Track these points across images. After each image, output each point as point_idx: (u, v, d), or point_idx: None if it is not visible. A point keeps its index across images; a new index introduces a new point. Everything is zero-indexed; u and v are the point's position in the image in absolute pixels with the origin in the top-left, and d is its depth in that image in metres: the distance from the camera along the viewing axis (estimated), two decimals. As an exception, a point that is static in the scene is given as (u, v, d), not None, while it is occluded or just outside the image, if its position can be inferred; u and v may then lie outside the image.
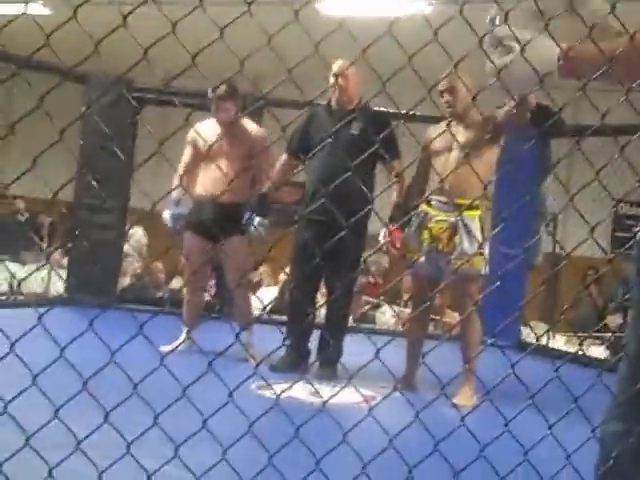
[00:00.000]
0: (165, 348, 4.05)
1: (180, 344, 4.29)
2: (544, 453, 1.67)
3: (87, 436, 1.42)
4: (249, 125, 4.83)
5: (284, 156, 4.69)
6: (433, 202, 4.08)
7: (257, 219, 4.58)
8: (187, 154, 4.79)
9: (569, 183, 8.36)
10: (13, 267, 7.78)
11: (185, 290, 5.00)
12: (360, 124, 4.31)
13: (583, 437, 1.58)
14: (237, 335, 1.55)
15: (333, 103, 4.59)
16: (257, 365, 1.53)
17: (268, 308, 7.10)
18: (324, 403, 1.53)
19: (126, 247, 9.04)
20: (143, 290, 7.76)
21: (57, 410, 1.36)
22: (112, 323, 1.39)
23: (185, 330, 4.69)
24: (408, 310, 7.64)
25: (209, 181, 4.62)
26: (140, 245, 9.00)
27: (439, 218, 4.08)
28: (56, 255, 8.35)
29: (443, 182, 3.81)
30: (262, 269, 8.98)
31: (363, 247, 4.57)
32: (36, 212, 9.43)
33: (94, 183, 6.30)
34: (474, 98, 1.91)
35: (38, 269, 6.45)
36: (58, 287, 6.94)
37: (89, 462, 1.43)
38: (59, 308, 5.58)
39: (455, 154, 4.05)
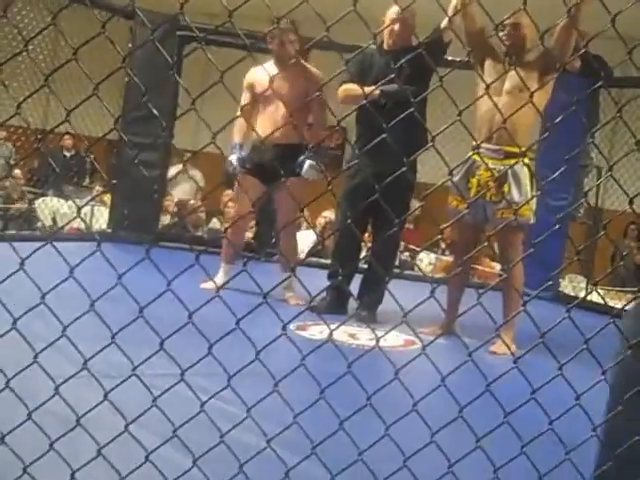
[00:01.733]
0: (205, 285, 4.12)
1: (220, 282, 4.35)
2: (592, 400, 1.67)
3: (139, 364, 1.46)
4: (307, 65, 4.83)
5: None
6: (482, 150, 4.01)
7: (311, 162, 4.62)
8: (245, 98, 4.82)
9: (615, 136, 8.20)
10: (57, 203, 7.91)
11: (228, 230, 5.06)
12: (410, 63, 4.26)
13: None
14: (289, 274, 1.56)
15: (386, 46, 4.55)
16: (308, 308, 1.54)
17: (309, 251, 7.14)
18: (377, 342, 1.54)
19: (183, 189, 9.14)
20: (183, 229, 7.84)
21: (113, 336, 1.40)
22: (155, 260, 1.40)
23: (223, 268, 4.80)
24: (446, 258, 7.65)
25: (267, 123, 4.65)
26: (197, 188, 9.09)
27: (488, 166, 4.02)
28: (99, 191, 8.43)
29: (492, 129, 3.80)
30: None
31: (412, 194, 4.56)
32: (82, 149, 9.51)
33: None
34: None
35: (88, 203, 6.52)
36: (101, 224, 7.05)
37: (142, 390, 1.47)
38: (102, 243, 5.66)
39: (505, 98, 3.96)
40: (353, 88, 4.37)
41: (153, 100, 1.73)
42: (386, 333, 1.68)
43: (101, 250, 1.42)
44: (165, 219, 7.94)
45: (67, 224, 5.87)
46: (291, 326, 3.75)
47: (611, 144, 8.64)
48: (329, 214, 8.18)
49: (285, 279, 4.37)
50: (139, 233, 6.19)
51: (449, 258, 7.50)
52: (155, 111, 1.62)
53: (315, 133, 4.88)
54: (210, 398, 1.50)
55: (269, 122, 4.65)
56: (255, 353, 1.45)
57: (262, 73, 4.66)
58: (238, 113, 4.63)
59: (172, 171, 7.84)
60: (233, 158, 4.78)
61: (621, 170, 6.73)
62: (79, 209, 1.56)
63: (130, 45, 6.26)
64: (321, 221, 7.86)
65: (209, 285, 4.13)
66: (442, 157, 1.51)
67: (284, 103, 4.55)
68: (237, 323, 1.39)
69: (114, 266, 1.41)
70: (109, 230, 6.62)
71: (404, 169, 1.66)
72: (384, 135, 1.55)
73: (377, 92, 4.13)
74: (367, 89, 3.88)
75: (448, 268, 7.43)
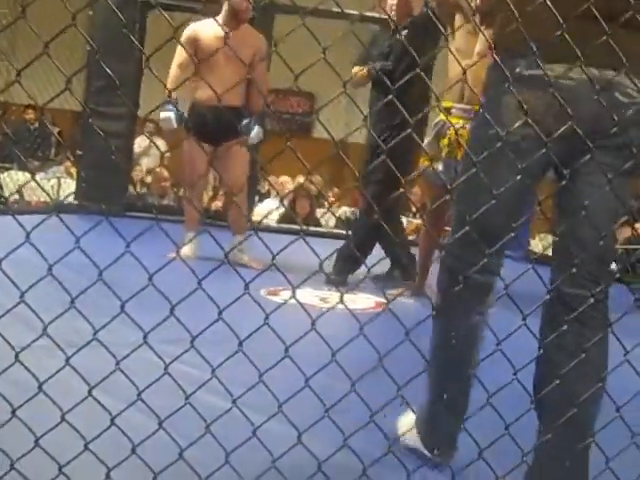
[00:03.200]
0: (171, 255, 4.08)
1: (187, 251, 4.30)
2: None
3: (100, 329, 1.44)
4: (253, 30, 4.74)
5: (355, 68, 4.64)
6: (453, 110, 4.00)
7: (259, 126, 4.59)
8: (183, 53, 4.55)
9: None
10: (22, 176, 7.80)
11: (185, 196, 5.07)
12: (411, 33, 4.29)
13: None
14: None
15: (391, 22, 4.59)
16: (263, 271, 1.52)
17: (273, 217, 7.13)
18: (340, 302, 1.54)
19: (150, 159, 9.01)
20: (150, 198, 7.77)
21: (72, 301, 1.38)
22: (121, 230, 1.38)
23: (187, 236, 4.71)
24: (416, 220, 7.66)
25: (213, 83, 4.47)
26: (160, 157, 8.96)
27: (459, 125, 4.00)
28: (65, 164, 8.34)
29: (463, 88, 3.82)
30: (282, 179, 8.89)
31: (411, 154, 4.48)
32: (45, 121, 9.36)
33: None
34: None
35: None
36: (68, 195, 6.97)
37: (107, 357, 1.46)
38: (68, 215, 5.61)
39: (476, 59, 3.94)
40: (355, 72, 4.60)
41: (116, 68, 1.69)
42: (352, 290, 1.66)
43: (61, 219, 1.39)
44: (133, 189, 7.88)
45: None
46: (262, 291, 3.75)
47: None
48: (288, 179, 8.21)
49: (240, 242, 4.36)
50: (106, 204, 6.14)
51: (418, 221, 7.52)
52: (115, 79, 1.57)
53: (259, 97, 4.68)
54: (173, 361, 1.49)
55: (215, 82, 4.39)
56: (218, 314, 1.44)
57: (208, 29, 4.47)
58: (175, 68, 4.57)
59: (137, 141, 7.75)
60: (170, 114, 4.56)
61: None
62: (34, 179, 1.52)
63: (90, 12, 6.14)
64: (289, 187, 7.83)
65: (173, 254, 4.11)
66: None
67: (231, 64, 4.43)
68: (199, 283, 1.38)
69: (76, 235, 1.39)
70: (75, 202, 6.54)
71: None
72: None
73: (365, 71, 4.50)
74: (356, 69, 4.56)
75: (418, 230, 7.46)
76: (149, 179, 8.42)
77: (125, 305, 1.41)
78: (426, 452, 1.90)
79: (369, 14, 6.02)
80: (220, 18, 4.55)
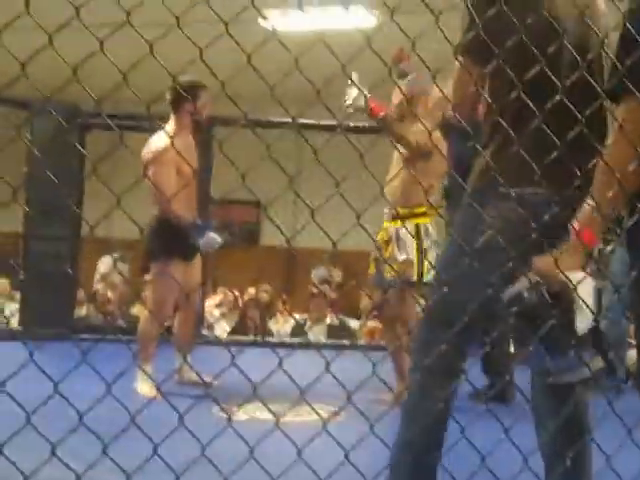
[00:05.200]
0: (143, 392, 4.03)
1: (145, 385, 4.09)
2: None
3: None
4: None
5: None
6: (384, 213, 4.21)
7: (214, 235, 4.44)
8: (170, 173, 4.12)
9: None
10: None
11: (152, 323, 4.40)
12: None
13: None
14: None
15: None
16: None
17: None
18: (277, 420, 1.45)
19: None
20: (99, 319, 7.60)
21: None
22: (67, 356, 1.29)
23: (144, 370, 4.19)
24: (371, 322, 7.59)
25: (189, 198, 4.34)
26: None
27: (385, 227, 4.18)
28: (7, 288, 8.16)
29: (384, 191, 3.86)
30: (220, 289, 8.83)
31: None
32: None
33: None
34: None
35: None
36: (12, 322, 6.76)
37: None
38: (13, 343, 5.43)
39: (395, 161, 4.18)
40: None
41: (57, 190, 1.63)
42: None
43: None
44: (81, 311, 7.70)
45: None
46: (214, 409, 3.59)
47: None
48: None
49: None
50: (51, 328, 5.92)
51: (373, 323, 7.45)
52: (58, 200, 1.50)
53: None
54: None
55: (189, 197, 4.31)
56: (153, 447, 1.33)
57: (180, 143, 4.07)
58: (169, 194, 4.06)
59: (104, 260, 7.72)
60: (215, 235, 4.36)
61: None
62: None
63: (29, 136, 6.10)
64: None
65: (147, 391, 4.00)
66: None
67: (194, 176, 4.32)
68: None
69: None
70: (20, 327, 6.33)
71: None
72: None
73: None
74: None
75: (372, 333, 7.38)
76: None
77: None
78: None
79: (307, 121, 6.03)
80: (172, 129, 4.31)
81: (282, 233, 1.50)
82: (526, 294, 1.62)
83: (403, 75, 4.12)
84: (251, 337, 7.06)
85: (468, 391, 4.05)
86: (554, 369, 1.64)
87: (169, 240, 4.23)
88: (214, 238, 4.33)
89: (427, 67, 1.50)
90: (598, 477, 1.66)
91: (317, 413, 1.60)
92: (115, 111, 5.70)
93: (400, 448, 1.90)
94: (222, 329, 7.37)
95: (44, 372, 1.29)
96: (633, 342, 5.21)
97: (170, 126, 4.35)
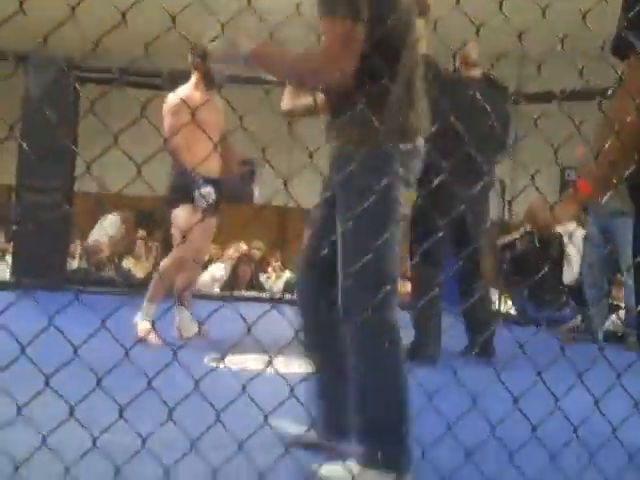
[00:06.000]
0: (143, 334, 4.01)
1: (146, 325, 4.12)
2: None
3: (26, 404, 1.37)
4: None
5: None
6: None
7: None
8: (174, 124, 4.15)
9: (515, 152, 8.45)
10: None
11: (176, 267, 4.35)
12: None
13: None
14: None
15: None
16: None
17: (218, 284, 7.05)
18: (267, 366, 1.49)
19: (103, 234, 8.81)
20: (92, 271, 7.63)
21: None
22: (61, 305, 1.32)
23: (150, 308, 4.27)
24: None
25: (213, 153, 3.94)
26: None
27: None
28: (0, 240, 8.16)
29: None
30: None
31: None
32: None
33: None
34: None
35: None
36: (4, 273, 6.79)
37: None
38: (4, 292, 5.47)
39: None
40: None
41: (51, 142, 1.65)
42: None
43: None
44: (73, 263, 7.73)
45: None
46: (205, 359, 3.64)
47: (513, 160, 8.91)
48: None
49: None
50: (43, 279, 5.96)
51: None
52: (52, 152, 1.53)
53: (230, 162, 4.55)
54: (100, 436, 1.41)
55: (208, 150, 3.85)
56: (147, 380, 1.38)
57: (194, 96, 4.23)
58: (177, 143, 4.12)
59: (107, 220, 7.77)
60: (209, 190, 4.24)
61: (523, 184, 6.89)
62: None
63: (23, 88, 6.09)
64: (230, 253, 7.77)
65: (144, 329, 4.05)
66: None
67: (217, 130, 4.27)
68: (149, 383, 1.32)
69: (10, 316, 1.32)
70: (12, 279, 6.37)
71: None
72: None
73: None
74: None
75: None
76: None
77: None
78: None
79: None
80: (191, 86, 4.38)
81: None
82: (518, 243, 1.65)
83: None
84: (243, 292, 7.13)
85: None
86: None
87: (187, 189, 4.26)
88: (208, 193, 4.25)
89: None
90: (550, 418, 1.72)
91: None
92: (108, 63, 5.66)
93: None
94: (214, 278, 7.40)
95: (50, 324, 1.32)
96: (617, 304, 5.30)
97: (189, 83, 4.40)
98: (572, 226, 1.51)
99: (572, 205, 1.65)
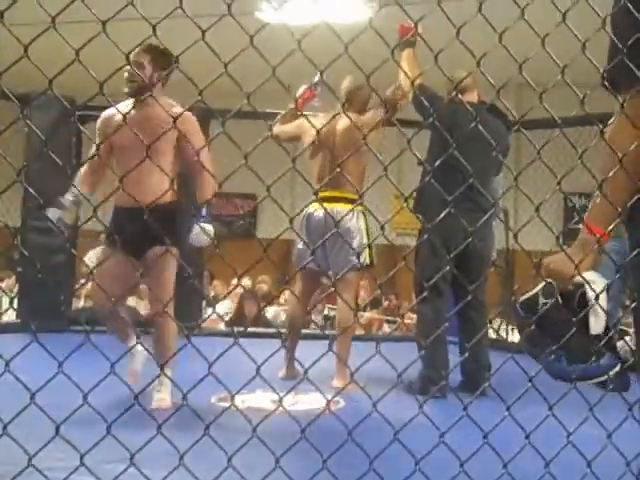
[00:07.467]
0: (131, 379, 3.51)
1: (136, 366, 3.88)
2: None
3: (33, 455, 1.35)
4: (168, 102, 3.57)
5: None
6: None
7: (202, 225, 3.61)
8: (94, 147, 3.85)
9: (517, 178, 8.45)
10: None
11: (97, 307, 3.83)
12: None
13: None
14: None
15: None
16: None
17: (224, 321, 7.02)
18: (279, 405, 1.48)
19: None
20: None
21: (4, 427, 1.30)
22: (65, 347, 1.32)
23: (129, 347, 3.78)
24: (367, 314, 7.64)
25: (127, 184, 3.21)
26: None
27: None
28: (8, 282, 8.18)
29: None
30: (215, 282, 8.89)
31: None
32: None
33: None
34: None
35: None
36: (10, 315, 6.76)
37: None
38: (11, 335, 5.47)
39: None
40: None
41: (55, 183, 1.65)
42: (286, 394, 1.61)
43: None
44: (79, 303, 7.73)
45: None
46: (212, 399, 3.62)
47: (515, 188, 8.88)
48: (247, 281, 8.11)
49: (155, 378, 2.88)
50: (49, 320, 5.90)
51: (370, 314, 7.49)
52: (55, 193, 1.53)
53: (203, 186, 3.67)
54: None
55: (133, 179, 2.73)
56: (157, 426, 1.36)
57: (115, 113, 3.57)
58: (85, 165, 3.84)
59: (89, 255, 7.70)
60: (56, 213, 3.66)
61: (527, 211, 6.89)
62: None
63: (26, 129, 6.11)
64: (237, 290, 7.76)
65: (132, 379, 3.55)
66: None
67: (143, 151, 3.68)
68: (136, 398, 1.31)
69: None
70: (18, 321, 6.34)
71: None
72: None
73: None
74: None
75: (370, 324, 7.43)
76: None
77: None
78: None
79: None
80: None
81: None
82: (542, 298, 1.61)
83: (411, 44, 4.43)
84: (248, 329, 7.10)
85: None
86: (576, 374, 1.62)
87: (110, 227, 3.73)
88: (202, 231, 3.61)
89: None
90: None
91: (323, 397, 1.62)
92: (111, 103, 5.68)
93: None
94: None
95: (51, 355, 1.32)
96: (626, 329, 5.25)
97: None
98: (593, 274, 1.50)
99: (589, 254, 1.61)
